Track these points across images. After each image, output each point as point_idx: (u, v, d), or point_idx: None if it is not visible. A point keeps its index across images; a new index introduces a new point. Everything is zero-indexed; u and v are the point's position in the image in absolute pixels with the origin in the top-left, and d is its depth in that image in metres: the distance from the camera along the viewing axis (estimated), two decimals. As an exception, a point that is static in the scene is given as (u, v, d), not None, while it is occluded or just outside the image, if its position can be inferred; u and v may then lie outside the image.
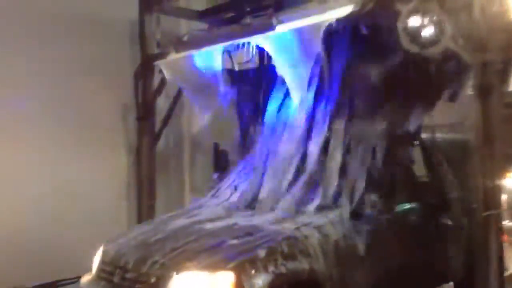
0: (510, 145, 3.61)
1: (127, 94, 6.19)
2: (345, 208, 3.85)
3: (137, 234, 3.99)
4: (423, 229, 4.33)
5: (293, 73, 4.44)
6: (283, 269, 3.30)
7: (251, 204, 4.28)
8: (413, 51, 3.77)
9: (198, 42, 5.18)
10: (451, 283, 4.74)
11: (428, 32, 3.72)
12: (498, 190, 3.38)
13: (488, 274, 3.39)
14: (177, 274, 3.26)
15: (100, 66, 5.93)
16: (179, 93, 6.15)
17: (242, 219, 3.92)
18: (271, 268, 3.25)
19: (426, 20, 3.69)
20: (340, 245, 3.67)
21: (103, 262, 3.85)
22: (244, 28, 4.58)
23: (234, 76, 5.43)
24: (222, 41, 4.82)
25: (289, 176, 4.30)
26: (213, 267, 3.23)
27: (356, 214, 3.84)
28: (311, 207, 3.94)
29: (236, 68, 5.48)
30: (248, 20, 4.60)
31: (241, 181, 4.68)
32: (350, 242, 3.73)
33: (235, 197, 4.52)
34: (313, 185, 4.13)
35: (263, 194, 4.30)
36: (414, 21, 3.80)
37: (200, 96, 5.52)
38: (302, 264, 3.41)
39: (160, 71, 5.87)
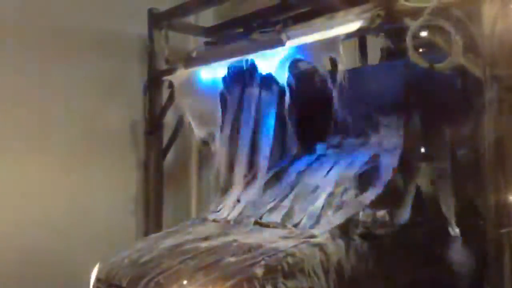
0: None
1: (135, 109, 6.23)
2: (351, 226, 3.73)
3: (132, 251, 3.87)
4: (433, 246, 4.21)
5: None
6: None
7: (253, 220, 4.16)
8: (422, 66, 3.76)
9: (206, 58, 5.20)
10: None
11: (437, 47, 3.72)
12: (511, 206, 3.33)
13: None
14: None
15: (109, 81, 5.97)
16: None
17: (241, 236, 3.80)
18: (269, 287, 3.14)
19: (435, 35, 3.68)
20: (343, 264, 3.55)
21: (98, 280, 3.77)
22: (253, 43, 4.59)
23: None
24: (231, 57, 4.83)
25: (296, 192, 4.22)
26: (210, 285, 3.13)
27: (363, 233, 3.73)
28: (316, 224, 3.82)
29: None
30: (256, 36, 4.60)
31: (245, 196, 4.59)
32: (354, 261, 3.61)
33: (236, 212, 4.41)
34: (319, 200, 4.02)
35: (267, 210, 4.20)
36: (423, 36, 3.80)
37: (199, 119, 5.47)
38: (302, 284, 3.28)
39: (168, 86, 5.91)
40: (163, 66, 6.01)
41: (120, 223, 5.94)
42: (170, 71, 5.78)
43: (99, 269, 3.86)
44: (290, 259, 3.32)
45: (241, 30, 5.69)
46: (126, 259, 3.75)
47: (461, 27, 3.52)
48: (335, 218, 3.81)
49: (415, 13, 3.64)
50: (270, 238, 3.67)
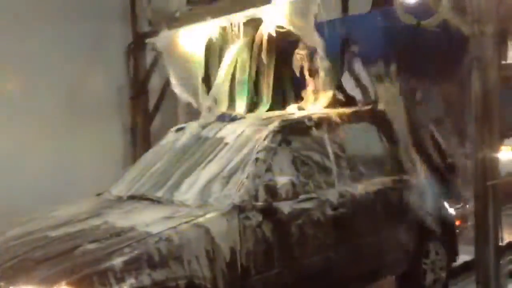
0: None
1: (119, 73, 6.13)
2: (249, 201, 3.17)
3: None
4: (357, 216, 3.72)
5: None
6: (146, 281, 2.65)
7: (146, 196, 3.55)
8: (409, 22, 3.74)
9: (190, 18, 5.07)
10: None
11: (425, 3, 3.70)
12: (496, 161, 3.40)
13: (487, 243, 3.43)
14: None
15: (91, 44, 5.85)
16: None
17: (116, 217, 3.21)
18: (129, 280, 2.61)
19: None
20: (236, 250, 3.01)
21: None
22: (238, 2, 4.48)
23: None
24: (216, 17, 4.72)
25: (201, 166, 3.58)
26: (50, 281, 2.55)
27: (264, 208, 3.19)
28: (208, 199, 3.26)
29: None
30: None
31: (146, 171, 3.93)
32: (252, 246, 3.09)
33: (136, 186, 3.77)
34: (222, 176, 3.41)
35: (169, 183, 3.57)
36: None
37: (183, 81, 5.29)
38: (177, 273, 2.77)
39: (152, 48, 5.79)
40: (146, 28, 5.88)
41: (107, 188, 5.91)
42: (153, 33, 5.64)
43: None
44: (163, 245, 2.78)
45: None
46: None
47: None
48: (231, 192, 3.23)
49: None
50: (149, 219, 3.08)
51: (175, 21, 5.30)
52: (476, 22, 3.47)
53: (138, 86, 6.08)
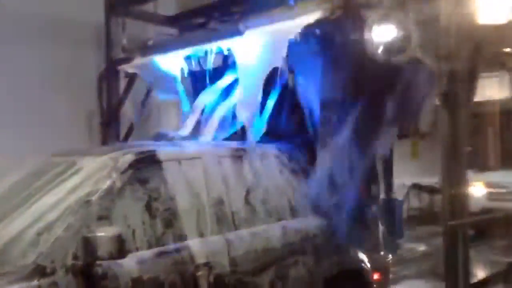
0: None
1: (91, 98, 6.04)
2: (60, 258, 2.47)
3: None
4: (238, 277, 3.03)
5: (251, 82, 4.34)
6: None
7: None
8: (378, 59, 3.76)
9: (164, 47, 5.07)
10: None
11: (394, 40, 3.73)
12: (465, 198, 3.39)
13: (456, 282, 3.38)
14: None
15: (64, 69, 5.79)
16: (145, 99, 6.02)
17: None
18: None
19: (392, 28, 3.70)
20: None
21: None
22: (211, 33, 4.49)
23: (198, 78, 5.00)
24: (189, 46, 4.72)
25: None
26: None
27: (80, 268, 2.49)
28: (7, 258, 2.50)
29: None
30: (215, 25, 4.51)
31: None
32: None
33: None
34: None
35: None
36: (380, 29, 3.81)
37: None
38: None
39: (126, 75, 5.76)
40: (120, 54, 5.84)
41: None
42: (127, 60, 5.60)
43: None
44: None
45: (203, 20, 5.60)
46: None
47: (418, 21, 3.54)
48: (37, 248, 2.51)
49: (374, 6, 3.64)
50: None
51: (148, 49, 5.29)
52: (445, 59, 3.51)
53: (110, 112, 5.98)
